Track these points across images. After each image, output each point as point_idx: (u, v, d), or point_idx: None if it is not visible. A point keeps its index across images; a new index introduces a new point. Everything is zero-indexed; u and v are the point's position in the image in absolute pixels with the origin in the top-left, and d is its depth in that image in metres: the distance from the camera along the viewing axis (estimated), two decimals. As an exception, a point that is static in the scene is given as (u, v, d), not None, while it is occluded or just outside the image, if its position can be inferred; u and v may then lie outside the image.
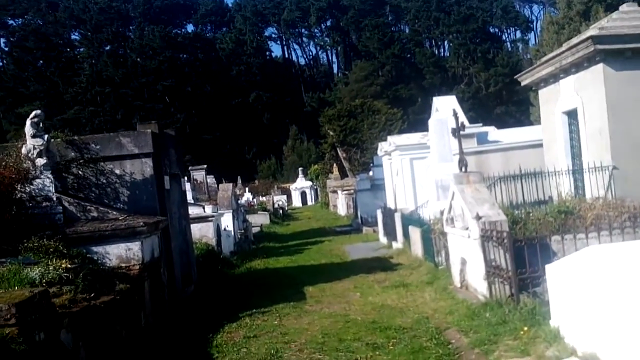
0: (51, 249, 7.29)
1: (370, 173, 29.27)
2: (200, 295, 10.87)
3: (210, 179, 39.78)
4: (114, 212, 8.73)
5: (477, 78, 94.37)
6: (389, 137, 19.74)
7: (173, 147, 11.23)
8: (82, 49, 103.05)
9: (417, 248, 12.53)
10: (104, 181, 9.79)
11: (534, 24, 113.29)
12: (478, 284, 7.98)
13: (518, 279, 6.91)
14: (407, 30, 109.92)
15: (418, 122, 53.26)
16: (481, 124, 16.83)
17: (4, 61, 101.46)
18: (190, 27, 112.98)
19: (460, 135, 9.33)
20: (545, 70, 13.37)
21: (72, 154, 9.65)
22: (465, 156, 9.02)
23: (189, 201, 26.14)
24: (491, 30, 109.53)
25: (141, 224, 8.26)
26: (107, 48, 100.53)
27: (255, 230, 25.99)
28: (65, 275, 6.52)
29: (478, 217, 7.56)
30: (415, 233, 12.64)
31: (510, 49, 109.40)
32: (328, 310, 8.85)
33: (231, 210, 18.51)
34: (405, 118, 52.76)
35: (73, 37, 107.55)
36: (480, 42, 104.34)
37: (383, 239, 18.23)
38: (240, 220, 21.13)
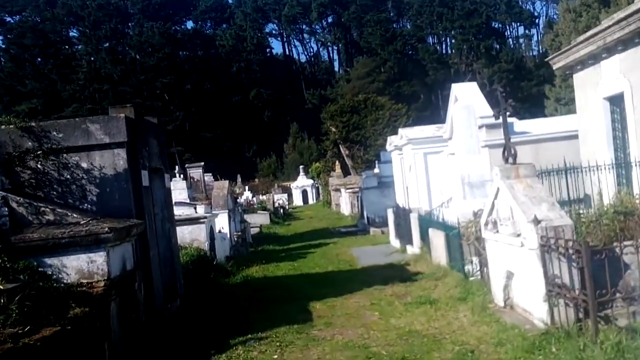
0: (-12, 263, 5.60)
1: (377, 170, 27.52)
2: (186, 313, 9.17)
3: (209, 177, 38.13)
4: (75, 215, 7.02)
5: (481, 74, 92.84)
6: (400, 130, 18.00)
7: (154, 136, 9.51)
8: (80, 46, 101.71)
9: (440, 254, 10.83)
10: (68, 177, 8.08)
11: (538, 20, 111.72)
12: (533, 305, 6.30)
13: (597, 302, 5.21)
14: (409, 26, 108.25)
15: (421, 118, 51.59)
16: (508, 113, 15.08)
17: (2, 58, 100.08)
18: (189, 24, 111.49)
19: (506, 118, 7.61)
20: (583, 50, 11.64)
21: (29, 143, 7.94)
22: (510, 145, 7.30)
23: (182, 200, 24.48)
24: (495, 26, 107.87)
25: (106, 229, 6.56)
26: (106, 45, 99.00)
27: (254, 231, 24.28)
28: (-6, 301, 4.82)
29: (536, 221, 5.88)
30: (437, 237, 10.94)
31: (513, 45, 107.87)
32: (341, 337, 7.10)
33: (227, 211, 16.79)
34: (409, 114, 51.13)
35: (71, 34, 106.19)
36: (483, 37, 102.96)
37: (395, 242, 16.52)
38: (238, 221, 19.41)
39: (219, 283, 11.93)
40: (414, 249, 13.86)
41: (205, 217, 13.47)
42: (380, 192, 24.28)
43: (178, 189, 30.58)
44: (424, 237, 12.69)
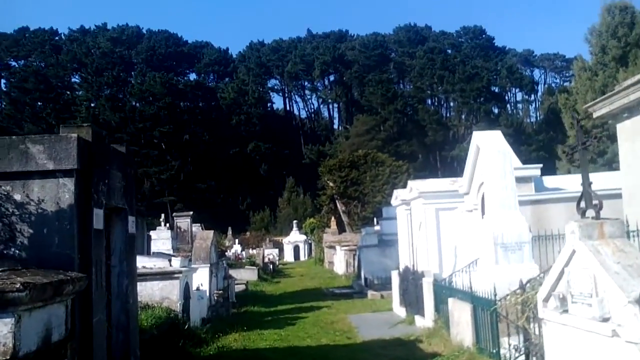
0: None
1: (378, 227, 25.61)
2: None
3: (197, 228, 36.13)
4: (-14, 263, 5.07)
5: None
6: (409, 182, 16.22)
7: (119, 168, 7.64)
8: (80, 92, 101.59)
9: (464, 332, 8.81)
10: (-6, 212, 6.17)
11: (538, 86, 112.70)
12: None
13: None
14: (410, 87, 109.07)
15: (420, 178, 49.94)
16: (541, 165, 13.37)
17: (2, 101, 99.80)
18: (192, 76, 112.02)
19: (584, 153, 5.84)
20: (633, 95, 10.03)
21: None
22: (591, 192, 5.48)
23: (163, 251, 22.37)
24: (495, 90, 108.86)
25: (17, 285, 4.60)
26: (107, 92, 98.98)
27: (239, 288, 22.04)
28: None
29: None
30: (460, 310, 8.94)
31: (512, 110, 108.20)
32: None
33: (208, 265, 14.70)
34: (409, 172, 49.68)
35: (73, 79, 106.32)
36: (484, 101, 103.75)
37: (399, 310, 14.41)
38: (221, 276, 17.25)
39: (187, 354, 9.76)
40: (425, 321, 11.77)
41: (180, 272, 11.41)
42: (380, 251, 22.30)
43: (162, 239, 28.69)
44: (439, 307, 10.68)
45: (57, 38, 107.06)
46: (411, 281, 12.92)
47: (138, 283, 11.34)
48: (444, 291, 10.48)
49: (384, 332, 11.83)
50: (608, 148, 25.67)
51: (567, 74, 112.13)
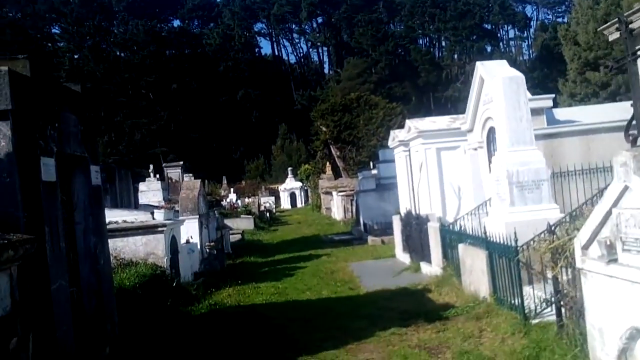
0: None
1: (375, 171, 24.67)
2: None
3: (188, 178, 35.17)
4: None
5: (474, 77, 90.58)
6: (407, 121, 15.12)
7: (73, 109, 6.53)
8: (62, 44, 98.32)
9: (478, 281, 7.95)
10: None
11: (531, 22, 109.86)
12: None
13: None
14: (401, 27, 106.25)
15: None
16: (553, 95, 12.28)
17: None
18: (176, 23, 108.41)
19: (635, 66, 4.79)
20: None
21: None
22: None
23: (152, 202, 21.41)
24: (488, 27, 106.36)
25: None
26: (89, 42, 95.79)
27: (235, 238, 21.24)
28: None
29: None
30: (474, 257, 8.04)
31: (505, 48, 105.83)
32: None
33: (197, 216, 13.75)
34: (404, 114, 48.48)
35: (53, 31, 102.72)
36: (476, 39, 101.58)
37: (403, 257, 13.60)
38: (213, 227, 16.34)
39: (176, 314, 8.92)
40: (432, 268, 10.98)
41: (164, 225, 10.45)
42: (379, 196, 21.42)
43: (152, 190, 27.70)
44: (447, 253, 9.82)
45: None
46: (415, 226, 12.07)
47: (119, 239, 10.46)
48: (452, 236, 9.58)
49: (388, 282, 11.02)
50: (611, 80, 24.50)
51: (559, 10, 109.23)
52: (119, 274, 8.84)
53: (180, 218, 12.85)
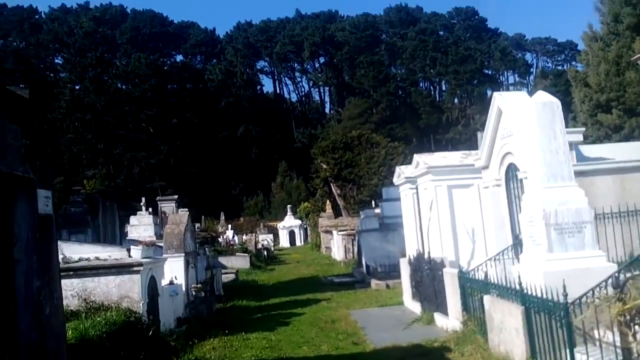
0: None
1: (378, 210, 23.67)
2: None
3: (184, 213, 34.04)
4: None
5: (474, 120, 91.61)
6: (416, 156, 14.19)
7: (14, 118, 5.34)
8: (64, 74, 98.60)
9: (511, 341, 6.76)
10: None
11: (531, 69, 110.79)
12: None
13: None
14: (402, 70, 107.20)
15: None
16: (583, 129, 11.39)
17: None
18: (179, 57, 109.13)
19: None
20: None
21: None
22: None
23: (143, 237, 20.14)
24: (488, 73, 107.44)
25: None
26: (91, 74, 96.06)
27: (228, 278, 20.01)
28: None
29: None
30: (505, 312, 6.87)
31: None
32: None
33: (182, 254, 12.55)
34: (406, 153, 47.80)
35: (56, 61, 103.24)
36: (477, 83, 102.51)
37: (413, 305, 12.36)
38: (202, 267, 15.11)
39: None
40: (448, 320, 9.79)
41: (140, 264, 9.29)
42: (382, 236, 20.35)
43: (143, 225, 26.46)
44: (469, 305, 8.67)
45: (37, 17, 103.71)
46: (426, 271, 10.95)
47: (90, 279, 9.28)
48: (474, 286, 8.48)
49: (398, 335, 9.79)
50: (625, 123, 23.79)
51: (559, 58, 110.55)
52: (84, 320, 7.71)
53: (165, 255, 11.71)
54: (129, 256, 9.55)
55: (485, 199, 11.86)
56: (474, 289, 8.50)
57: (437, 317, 10.43)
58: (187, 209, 37.49)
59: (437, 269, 10.29)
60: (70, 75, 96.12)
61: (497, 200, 10.83)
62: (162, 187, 77.10)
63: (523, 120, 7.48)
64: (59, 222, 14.21)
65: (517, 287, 6.55)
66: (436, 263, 10.46)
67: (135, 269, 9.33)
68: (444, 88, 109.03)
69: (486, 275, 7.71)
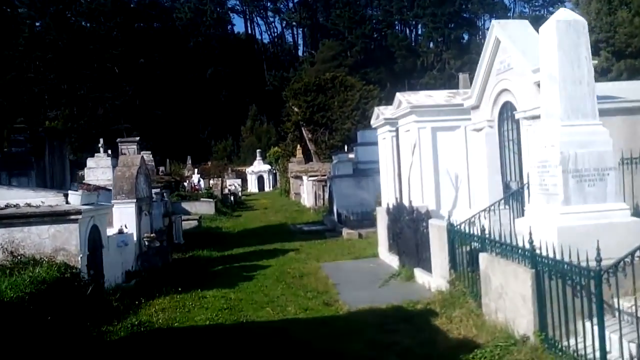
0: None
1: (352, 155, 22.28)
2: None
3: (148, 156, 32.19)
4: None
5: (450, 65, 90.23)
6: (398, 95, 12.68)
7: None
8: (22, 9, 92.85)
9: (514, 309, 5.47)
10: None
11: (510, 13, 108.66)
12: None
13: None
14: (378, 11, 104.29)
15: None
16: (595, 61, 10.05)
17: None
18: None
19: None
20: None
21: None
22: None
23: (101, 181, 18.41)
24: (466, 16, 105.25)
25: None
26: (52, 10, 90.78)
27: (190, 225, 18.59)
28: None
29: None
30: (509, 275, 5.53)
31: (482, 37, 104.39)
32: None
33: (134, 200, 11.05)
34: (381, 96, 46.23)
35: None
36: (454, 27, 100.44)
37: (389, 258, 11.13)
38: (158, 214, 13.59)
39: (83, 339, 6.32)
40: (432, 278, 8.57)
41: (79, 212, 7.78)
42: (356, 183, 19.09)
43: (102, 167, 24.64)
44: (457, 263, 7.40)
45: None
46: (407, 222, 9.65)
47: (19, 228, 7.79)
48: (467, 241, 7.17)
49: (375, 294, 8.59)
50: (613, 66, 22.60)
51: (536, 4, 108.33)
52: (2, 279, 6.23)
53: (114, 201, 10.19)
54: (66, 202, 7.97)
55: (474, 142, 10.55)
56: (464, 244, 7.21)
57: (418, 273, 9.21)
58: (150, 152, 35.65)
59: (420, 219, 9.00)
60: (30, 11, 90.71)
61: (489, 143, 9.50)
62: (127, 130, 74.31)
63: (541, 43, 6.00)
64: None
65: (528, 245, 5.22)
66: (420, 213, 9.17)
67: (73, 217, 7.87)
68: (420, 32, 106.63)
69: (483, 230, 6.42)
